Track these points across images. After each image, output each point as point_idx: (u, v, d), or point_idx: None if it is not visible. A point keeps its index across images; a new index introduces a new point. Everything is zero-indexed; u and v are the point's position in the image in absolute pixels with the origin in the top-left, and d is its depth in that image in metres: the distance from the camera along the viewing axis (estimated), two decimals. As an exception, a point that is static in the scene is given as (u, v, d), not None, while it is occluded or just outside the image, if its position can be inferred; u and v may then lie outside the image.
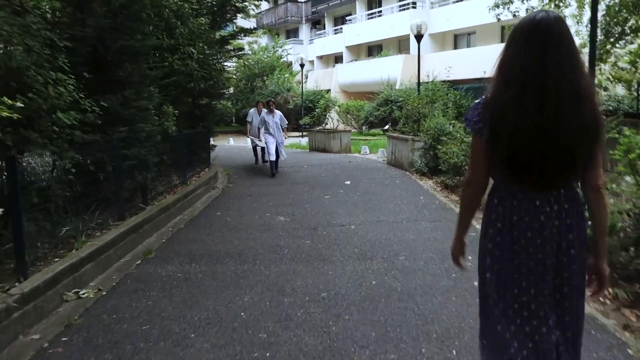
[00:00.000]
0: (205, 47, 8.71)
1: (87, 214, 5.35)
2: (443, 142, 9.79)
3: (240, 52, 12.23)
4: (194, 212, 7.46)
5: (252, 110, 12.50)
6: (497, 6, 12.13)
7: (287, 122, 11.53)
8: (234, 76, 31.56)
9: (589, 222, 1.91)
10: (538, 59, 1.71)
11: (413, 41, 27.20)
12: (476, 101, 1.92)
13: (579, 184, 1.87)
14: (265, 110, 11.18)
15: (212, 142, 11.67)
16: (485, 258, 1.94)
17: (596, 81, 10.37)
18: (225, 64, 12.98)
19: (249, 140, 13.32)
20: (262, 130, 11.14)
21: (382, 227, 6.08)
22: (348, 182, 9.71)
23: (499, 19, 12.50)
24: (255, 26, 13.46)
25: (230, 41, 12.06)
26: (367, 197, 8.08)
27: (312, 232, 5.93)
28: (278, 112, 11.24)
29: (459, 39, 27.40)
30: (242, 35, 12.18)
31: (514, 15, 12.50)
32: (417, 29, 12.51)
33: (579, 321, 1.90)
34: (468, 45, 26.38)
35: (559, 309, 1.85)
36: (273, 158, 10.93)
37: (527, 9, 12.37)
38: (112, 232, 5.21)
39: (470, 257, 2.72)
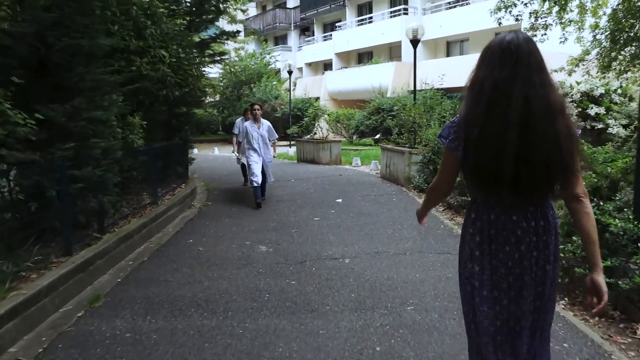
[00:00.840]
0: (180, 50, 7.74)
1: (23, 250, 4.36)
2: (442, 156, 8.92)
3: (221, 57, 11.20)
4: (162, 238, 6.45)
5: (239, 119, 9.78)
6: (500, 9, 11.31)
7: (276, 135, 8.90)
8: (221, 83, 30.63)
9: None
10: (510, 77, 1.77)
11: (405, 48, 26.60)
12: (451, 120, 1.95)
13: (562, 196, 1.88)
14: (250, 121, 8.59)
15: (191, 155, 10.67)
16: (464, 272, 1.98)
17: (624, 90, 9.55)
18: (205, 69, 12.04)
19: (233, 156, 10.36)
20: (244, 144, 8.74)
21: (381, 261, 5.13)
22: (339, 200, 8.76)
23: (500, 23, 11.69)
24: (238, 29, 12.52)
25: (212, 45, 11.07)
26: (362, 220, 7.13)
27: (298, 268, 4.96)
28: (265, 122, 8.61)
29: (451, 46, 26.72)
30: (225, 38, 11.21)
31: (517, 19, 11.71)
32: (414, 34, 11.66)
33: (548, 324, 1.97)
34: (461, 53, 25.68)
35: (531, 317, 1.90)
36: (258, 182, 8.26)
37: (530, 13, 11.60)
38: (52, 274, 4.21)
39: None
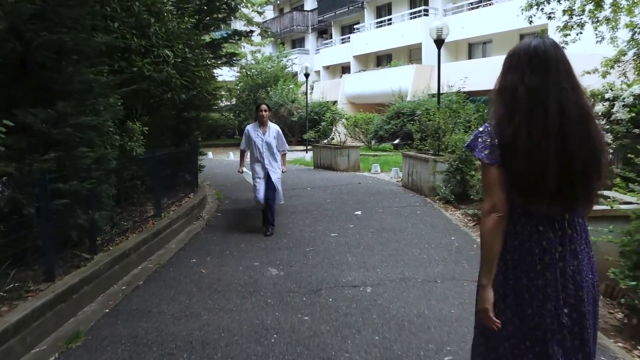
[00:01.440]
0: (187, 50, 7.14)
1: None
2: (471, 165, 8.18)
3: (233, 59, 10.55)
4: (163, 257, 5.84)
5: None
6: (531, 6, 10.53)
7: (287, 146, 7.20)
8: (237, 87, 30.17)
9: None
10: (542, 83, 1.75)
11: (425, 50, 25.83)
12: (479, 129, 1.88)
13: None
14: (254, 124, 6.87)
15: (201, 162, 10.08)
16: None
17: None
18: (220, 71, 11.44)
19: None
20: (247, 155, 7.08)
21: (409, 291, 4.42)
22: (359, 213, 8.07)
23: (531, 21, 10.91)
24: (251, 29, 11.87)
25: (224, 46, 10.45)
26: (384, 237, 6.43)
27: (313, 299, 4.28)
28: (274, 127, 6.91)
29: (473, 48, 25.85)
30: (237, 39, 10.60)
31: (549, 17, 10.92)
32: (438, 33, 10.93)
33: (591, 347, 1.81)
34: (483, 55, 24.82)
35: (570, 336, 1.79)
36: (262, 202, 6.72)
37: (563, 10, 10.79)
38: (25, 306, 3.60)
39: None
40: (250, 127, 6.88)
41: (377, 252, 5.74)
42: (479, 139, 1.83)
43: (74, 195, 4.52)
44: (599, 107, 7.13)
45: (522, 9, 10.63)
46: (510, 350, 1.84)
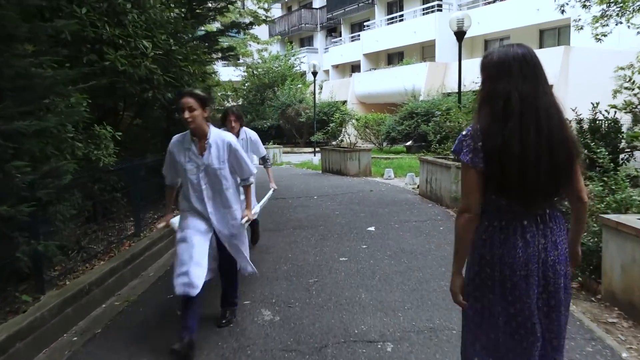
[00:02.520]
0: (172, 41, 6.11)
1: None
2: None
3: (230, 54, 9.44)
4: (136, 290, 4.81)
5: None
6: (565, -7, 9.41)
7: (264, 151, 5.63)
8: (244, 87, 29.21)
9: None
10: (534, 89, 1.86)
11: (439, 47, 24.65)
12: (463, 133, 1.97)
13: (569, 196, 2.04)
14: (183, 134, 3.64)
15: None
16: (475, 277, 2.02)
17: None
18: (222, 69, 10.43)
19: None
20: (189, 191, 3.59)
21: (443, 350, 3.33)
22: (372, 229, 7.00)
23: (563, 10, 9.80)
24: (251, 21, 10.80)
25: (220, 40, 9.38)
26: (404, 263, 5.35)
27: (315, 362, 3.22)
28: (247, 133, 5.40)
29: (490, 44, 24.63)
30: (236, 31, 9.54)
31: (584, 6, 9.77)
32: (458, 24, 9.83)
33: (563, 330, 2.01)
34: (501, 52, 23.60)
35: (546, 319, 1.97)
36: (188, 290, 3.29)
37: (602, -2, 9.63)
38: None
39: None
40: (175, 142, 3.64)
41: (396, 285, 4.66)
42: (463, 143, 1.93)
43: (9, 222, 3.51)
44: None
45: (555, -2, 9.48)
46: (503, 330, 1.97)
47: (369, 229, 7.02)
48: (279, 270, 5.21)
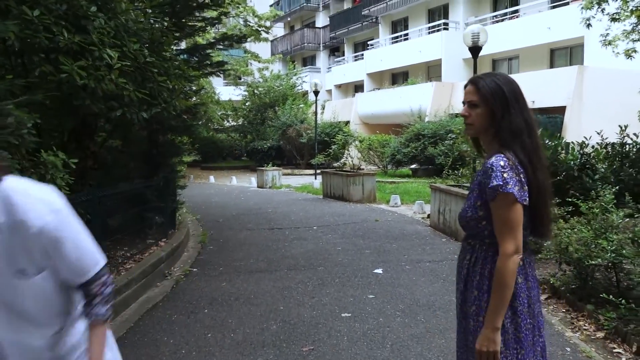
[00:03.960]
0: (146, 52, 5.21)
1: None
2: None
3: (220, 68, 8.54)
4: (83, 359, 3.81)
5: None
6: (592, 4, 8.52)
7: (93, 267, 1.56)
8: (244, 106, 28.47)
9: None
10: (532, 118, 1.87)
11: (445, 66, 23.87)
12: (499, 164, 1.77)
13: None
14: None
15: (179, 197, 8.10)
16: (525, 316, 1.86)
17: None
18: (222, 89, 9.53)
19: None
20: None
21: None
22: (379, 271, 5.99)
23: (589, 24, 8.93)
24: (245, 34, 9.95)
25: (211, 54, 8.47)
26: (422, 322, 4.34)
27: None
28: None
29: (498, 64, 23.89)
30: (228, 44, 8.65)
31: (613, 20, 8.90)
32: (473, 39, 8.94)
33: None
34: (509, 71, 22.78)
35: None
36: None
37: (632, 9, 8.75)
38: None
39: None
40: None
41: (414, 356, 3.64)
42: (504, 174, 1.76)
43: None
44: None
45: (582, 7, 8.60)
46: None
47: (376, 271, 6.01)
48: (266, 332, 4.20)
